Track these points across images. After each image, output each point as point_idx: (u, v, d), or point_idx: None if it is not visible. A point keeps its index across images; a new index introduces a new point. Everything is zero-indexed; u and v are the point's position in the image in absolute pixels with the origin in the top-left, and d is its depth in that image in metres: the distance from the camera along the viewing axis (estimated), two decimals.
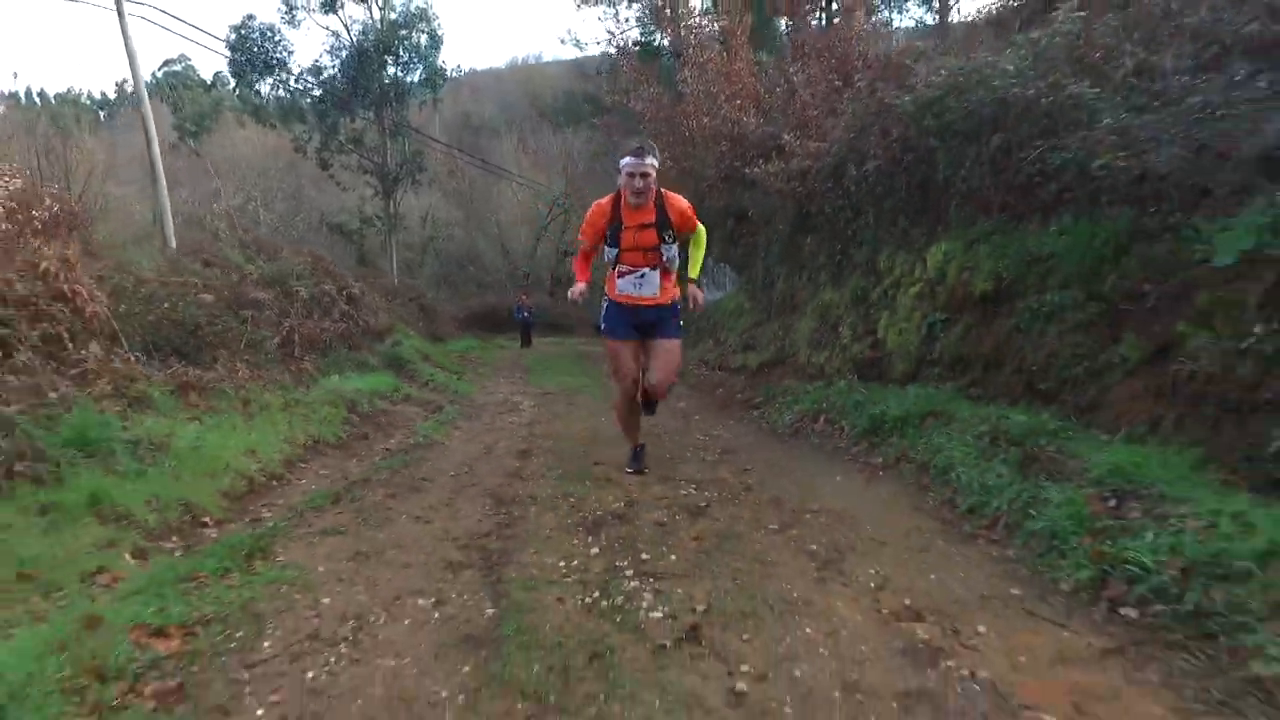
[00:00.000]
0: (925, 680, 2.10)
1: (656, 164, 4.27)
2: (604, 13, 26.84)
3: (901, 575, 2.85)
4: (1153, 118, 3.91)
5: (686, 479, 4.49)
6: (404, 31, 27.18)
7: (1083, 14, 4.66)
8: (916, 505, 3.72)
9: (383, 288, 18.88)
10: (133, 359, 5.60)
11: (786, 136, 8.21)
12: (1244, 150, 3.46)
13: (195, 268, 9.88)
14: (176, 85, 57.07)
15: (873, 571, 2.89)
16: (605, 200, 4.45)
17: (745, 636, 2.37)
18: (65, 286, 5.24)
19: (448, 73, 30.33)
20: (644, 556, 3.11)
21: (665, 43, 16.81)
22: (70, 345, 5.03)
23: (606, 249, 4.46)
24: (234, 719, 2.01)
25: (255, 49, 26.06)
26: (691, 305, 4.57)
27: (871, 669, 2.17)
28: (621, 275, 4.45)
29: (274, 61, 26.54)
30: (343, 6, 26.19)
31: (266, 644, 2.41)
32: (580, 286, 4.48)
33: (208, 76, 52.28)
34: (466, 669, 2.22)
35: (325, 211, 37.39)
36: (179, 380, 5.59)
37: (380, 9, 27.45)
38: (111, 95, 68.33)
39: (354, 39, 26.47)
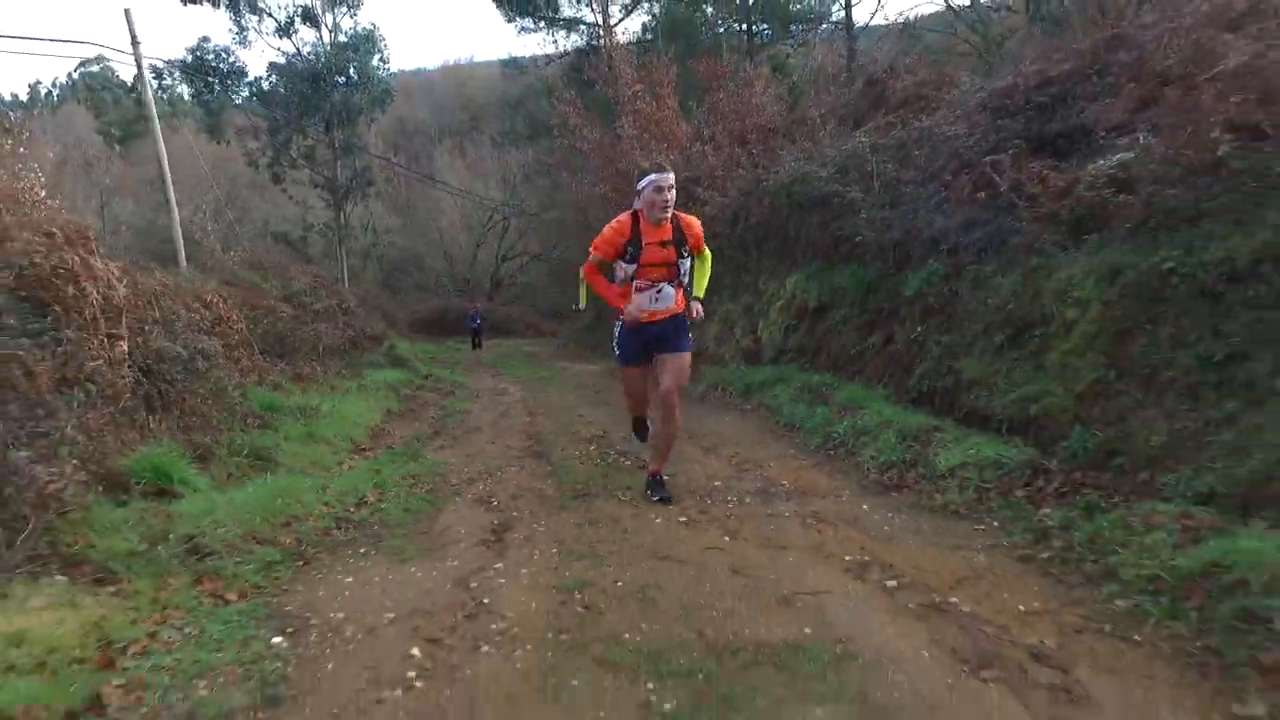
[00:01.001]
0: (744, 477, 5.35)
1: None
2: (542, 39, 29.81)
3: (745, 452, 6.12)
4: (890, 212, 7.30)
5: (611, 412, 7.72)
6: (353, 54, 29.70)
7: (865, 140, 8.06)
8: (762, 427, 7.05)
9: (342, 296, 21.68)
10: (261, 360, 8.58)
11: (699, 189, 11.52)
12: (924, 234, 6.85)
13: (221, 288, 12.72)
14: (95, 87, 57.89)
15: (732, 451, 6.15)
16: (624, 218, 4.68)
17: (670, 472, 5.59)
18: (224, 312, 8.20)
19: (394, 92, 33.09)
20: (621, 449, 6.34)
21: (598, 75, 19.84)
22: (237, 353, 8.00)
23: (623, 265, 4.66)
24: (447, 490, 5.16)
25: (211, 69, 28.35)
26: (694, 316, 4.81)
27: (723, 476, 5.42)
28: (640, 290, 4.67)
29: (229, 81, 28.90)
30: (296, 31, 28.69)
31: (449, 481, 5.56)
32: (632, 306, 4.70)
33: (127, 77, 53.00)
34: (547, 482, 5.41)
35: (268, 219, 39.57)
36: (293, 373, 8.60)
37: (330, 32, 29.93)
38: (23, 97, 67.84)
39: (306, 60, 28.91)
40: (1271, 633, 2.52)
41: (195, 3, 26.38)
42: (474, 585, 3.37)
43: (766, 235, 9.58)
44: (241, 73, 28.61)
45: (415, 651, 2.71)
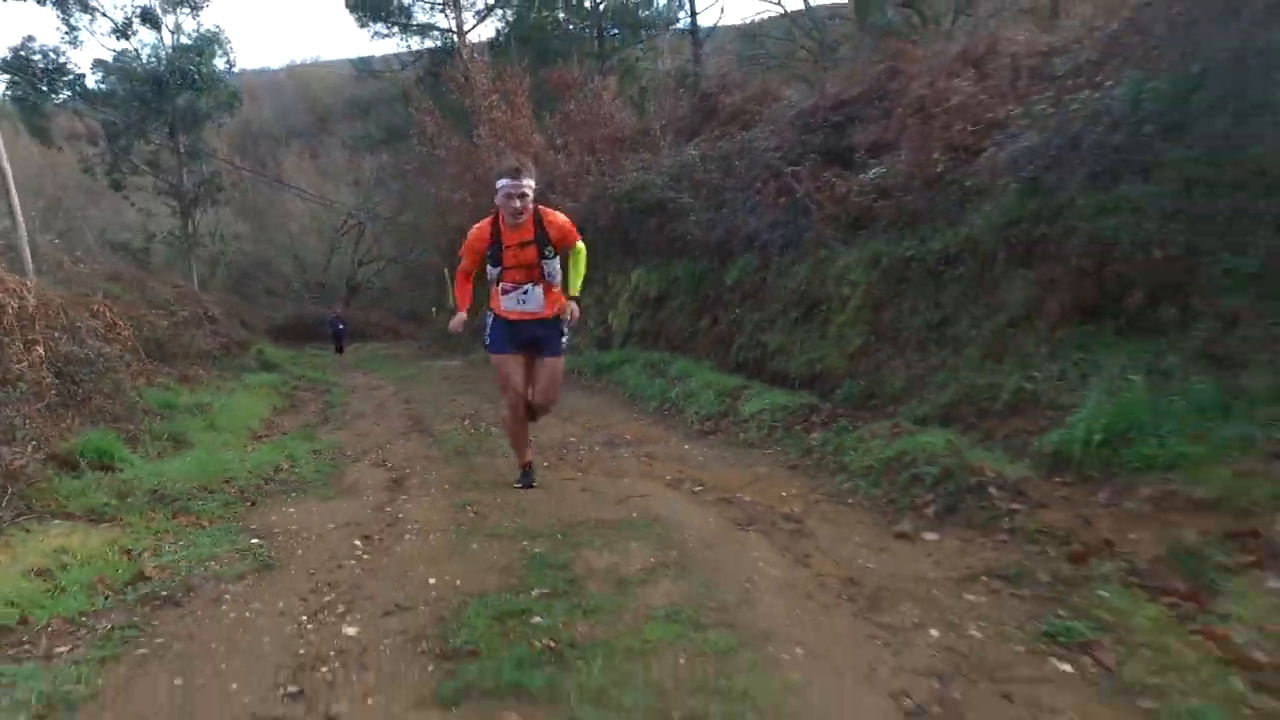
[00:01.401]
0: (594, 435, 6.56)
1: (533, 184, 4.52)
2: (397, 44, 30.23)
3: (596, 419, 7.33)
4: (715, 215, 8.69)
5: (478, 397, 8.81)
6: (197, 57, 29.02)
7: (696, 152, 9.44)
8: (611, 400, 8.31)
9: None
10: (149, 364, 9.17)
11: (553, 195, 12.68)
12: (741, 233, 8.26)
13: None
14: None
15: (585, 419, 7.36)
16: (484, 223, 4.71)
17: (531, 437, 6.71)
18: (112, 319, 8.76)
19: (241, 96, 32.59)
20: (490, 420, 7.42)
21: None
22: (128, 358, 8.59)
23: (490, 268, 4.72)
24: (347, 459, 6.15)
25: (38, 71, 27.19)
26: (569, 318, 4.75)
27: (577, 435, 6.60)
28: (505, 292, 4.71)
29: (54, 80, 27.74)
30: (135, 32, 27.91)
31: (346, 453, 6.52)
32: (460, 317, 4.90)
33: None
34: (432, 449, 6.46)
35: (104, 228, 37.96)
36: (179, 375, 9.24)
37: (172, 33, 29.14)
38: None
39: (145, 63, 28.13)
40: (924, 487, 3.93)
41: None
42: (389, 509, 4.48)
43: (613, 236, 10.84)
44: (63, 70, 27.38)
45: (357, 543, 3.80)
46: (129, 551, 3.54)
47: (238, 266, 42.27)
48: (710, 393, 6.78)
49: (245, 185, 41.90)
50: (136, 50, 28.28)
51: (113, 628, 2.72)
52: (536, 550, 3.50)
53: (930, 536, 3.57)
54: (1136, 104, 4.82)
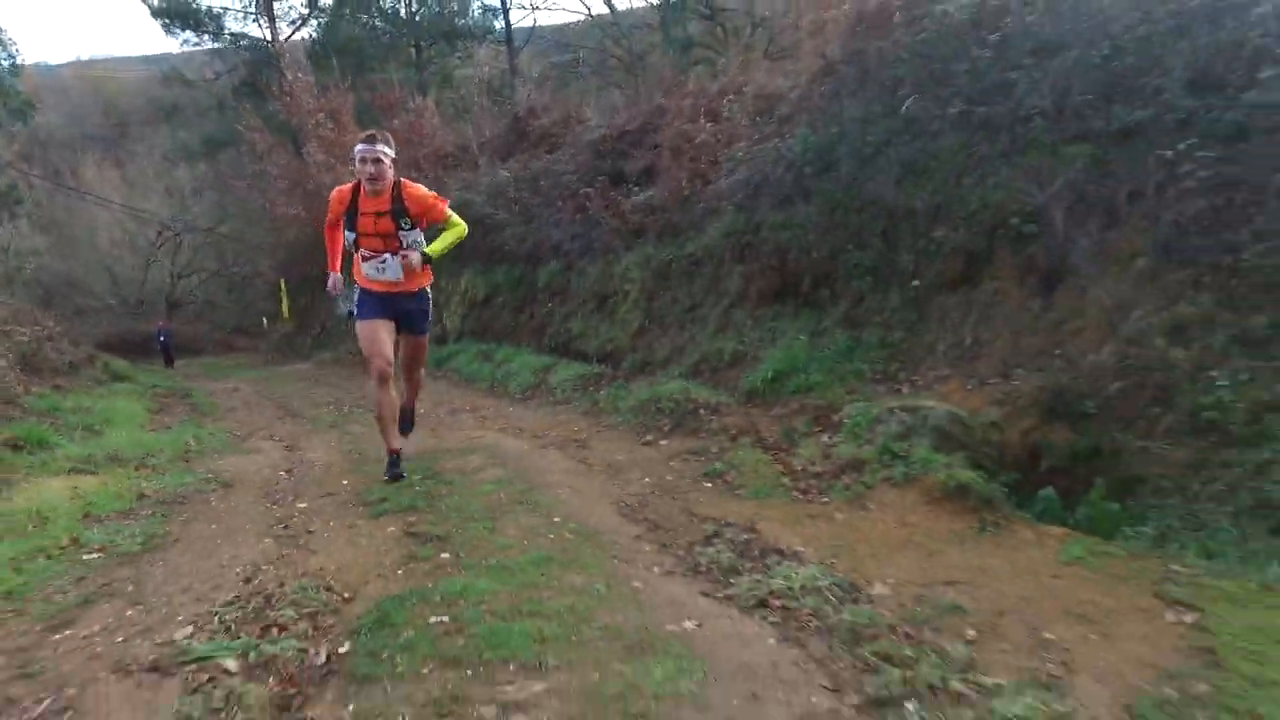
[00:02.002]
0: (440, 409, 8.39)
1: (390, 153, 4.62)
2: (209, 54, 30.28)
3: (440, 398, 9.17)
4: (526, 228, 10.66)
5: (332, 389, 10.47)
6: None
7: (509, 173, 11.38)
8: (450, 384, 10.15)
9: None
10: (19, 374, 10.19)
11: None
12: (548, 243, 10.27)
13: None
14: None
15: (429, 399, 9.14)
16: (346, 186, 4.81)
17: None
18: None
19: (36, 104, 31.66)
20: (352, 402, 9.09)
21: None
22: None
23: (346, 233, 4.84)
24: (241, 438, 7.76)
25: None
26: (401, 259, 4.78)
27: (427, 409, 8.41)
28: (365, 260, 4.84)
29: None
30: None
31: (237, 434, 8.09)
32: (334, 277, 5.06)
33: None
34: (307, 427, 8.12)
35: None
36: (50, 384, 10.32)
37: None
38: None
39: None
40: (664, 415, 6.07)
41: None
42: (294, 456, 6.31)
43: None
44: None
45: (283, 473, 5.64)
46: (119, 486, 5.13)
47: (40, 284, 40.47)
48: (527, 370, 8.79)
49: (39, 196, 40.14)
50: None
51: (153, 512, 4.45)
52: (409, 465, 5.38)
53: (663, 443, 5.72)
54: (804, 152, 7.16)
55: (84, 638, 2.72)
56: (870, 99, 6.94)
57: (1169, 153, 4.88)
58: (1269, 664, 2.32)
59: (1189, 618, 2.65)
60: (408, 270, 4.82)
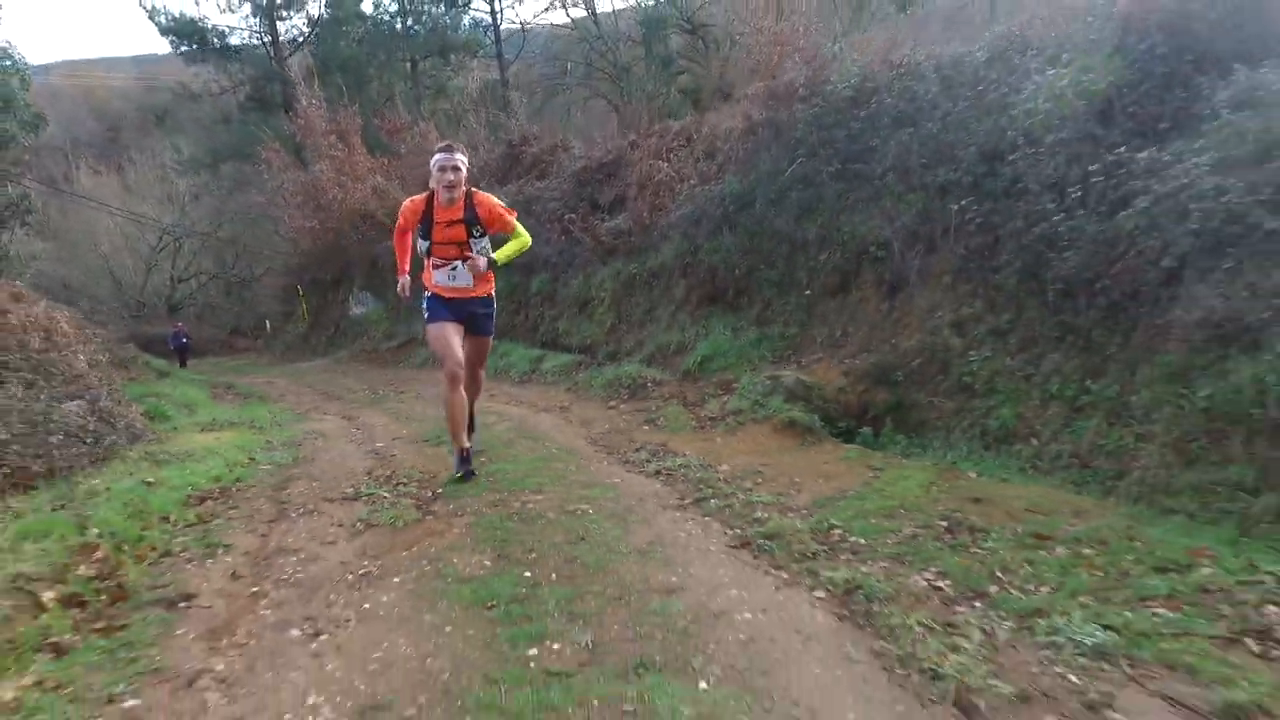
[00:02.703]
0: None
1: (466, 160, 5.01)
2: (212, 72, 32.65)
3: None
4: None
5: (358, 379, 13.00)
6: None
7: (506, 199, 13.94)
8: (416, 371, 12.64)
9: None
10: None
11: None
12: (540, 259, 12.83)
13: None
14: None
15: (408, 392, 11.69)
16: (419, 197, 5.11)
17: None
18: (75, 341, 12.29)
19: (46, 117, 33.83)
20: (379, 384, 11.63)
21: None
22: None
23: (420, 241, 5.11)
24: (300, 414, 10.31)
25: None
26: (468, 264, 5.09)
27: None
28: (436, 268, 5.14)
29: None
30: None
31: (297, 411, 10.65)
32: (404, 280, 5.52)
33: None
34: (353, 406, 10.67)
35: None
36: (126, 378, 12.82)
37: None
38: None
39: None
40: (623, 387, 8.66)
41: None
42: (355, 421, 8.83)
43: None
44: None
45: (354, 429, 8.14)
46: (246, 439, 7.64)
47: (40, 289, 41.83)
48: (524, 360, 11.37)
49: (36, 202, 41.61)
50: None
51: (285, 445, 6.98)
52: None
53: (622, 406, 8.30)
54: (730, 195, 9.74)
55: (299, 493, 5.29)
56: (779, 156, 9.54)
57: (961, 203, 7.44)
58: (888, 485, 4.92)
59: (873, 475, 5.25)
60: (476, 276, 5.16)
